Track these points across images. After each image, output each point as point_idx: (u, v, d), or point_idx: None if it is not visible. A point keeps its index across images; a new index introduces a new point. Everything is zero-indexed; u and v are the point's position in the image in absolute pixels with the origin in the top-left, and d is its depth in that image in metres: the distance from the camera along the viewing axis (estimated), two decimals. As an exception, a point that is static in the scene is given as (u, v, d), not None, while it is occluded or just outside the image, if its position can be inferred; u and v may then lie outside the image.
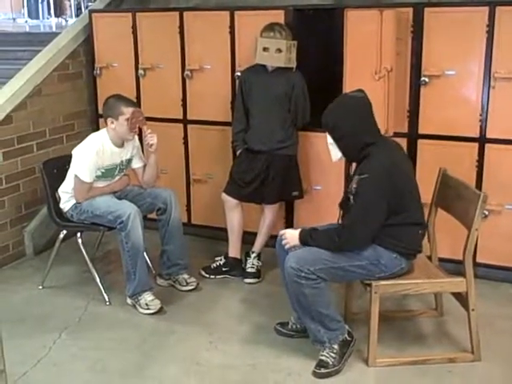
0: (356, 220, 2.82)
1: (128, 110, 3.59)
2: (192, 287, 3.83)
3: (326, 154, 4.02)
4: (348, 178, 3.07)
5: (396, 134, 3.77)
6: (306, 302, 2.89)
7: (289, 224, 4.28)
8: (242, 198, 3.96)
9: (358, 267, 2.88)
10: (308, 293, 2.85)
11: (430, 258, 3.27)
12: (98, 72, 4.74)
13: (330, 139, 2.93)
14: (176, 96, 4.49)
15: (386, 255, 2.89)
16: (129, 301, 3.65)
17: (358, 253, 2.88)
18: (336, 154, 2.95)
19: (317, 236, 2.91)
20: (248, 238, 4.11)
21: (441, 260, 3.35)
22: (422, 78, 3.76)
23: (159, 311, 3.57)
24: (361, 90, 2.97)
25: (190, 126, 4.52)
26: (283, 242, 3.01)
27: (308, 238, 2.93)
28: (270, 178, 3.88)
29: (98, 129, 4.52)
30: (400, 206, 2.85)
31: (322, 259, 2.85)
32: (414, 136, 3.89)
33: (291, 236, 2.98)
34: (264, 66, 3.83)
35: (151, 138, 3.70)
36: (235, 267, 4.03)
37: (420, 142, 3.88)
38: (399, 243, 2.90)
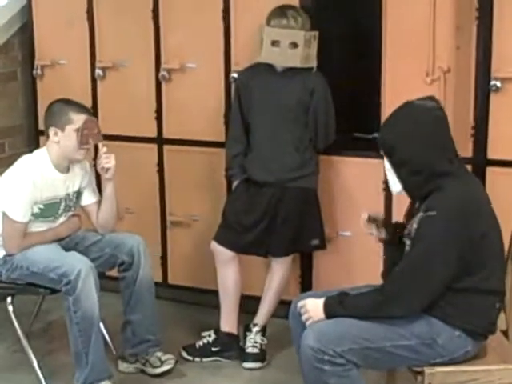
0: (411, 270, 2.79)
1: (79, 118, 3.63)
2: (169, 367, 3.82)
3: (357, 186, 4.09)
4: (407, 219, 3.06)
5: (456, 160, 3.77)
6: None
7: (306, 285, 4.26)
8: (240, 249, 3.96)
9: (405, 349, 2.86)
10: (335, 383, 2.82)
11: (506, 333, 3.23)
12: (39, 72, 4.78)
13: (387, 164, 2.95)
14: (148, 106, 4.53)
15: (446, 333, 2.86)
16: (78, 394, 3.63)
17: (406, 327, 2.85)
18: (396, 183, 2.96)
19: (349, 302, 2.89)
20: (248, 304, 4.10)
21: (522, 337, 3.30)
22: (493, 82, 3.78)
23: (122, 409, 3.55)
24: (432, 98, 2.98)
25: (167, 148, 4.56)
26: (303, 318, 2.98)
27: (337, 306, 2.90)
28: (278, 220, 3.89)
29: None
30: (476, 264, 2.83)
31: (352, 336, 2.83)
32: (481, 162, 3.89)
33: (314, 308, 2.95)
34: (271, 66, 3.86)
35: (107, 160, 3.73)
36: (230, 346, 4.02)
37: (490, 170, 3.88)
38: (466, 317, 2.87)
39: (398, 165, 2.88)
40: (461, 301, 2.85)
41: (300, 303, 3.01)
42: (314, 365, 2.82)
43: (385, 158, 2.95)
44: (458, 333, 2.87)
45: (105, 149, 3.73)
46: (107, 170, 3.73)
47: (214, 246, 3.98)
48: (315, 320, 2.94)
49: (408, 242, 2.88)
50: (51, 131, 3.66)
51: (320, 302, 2.94)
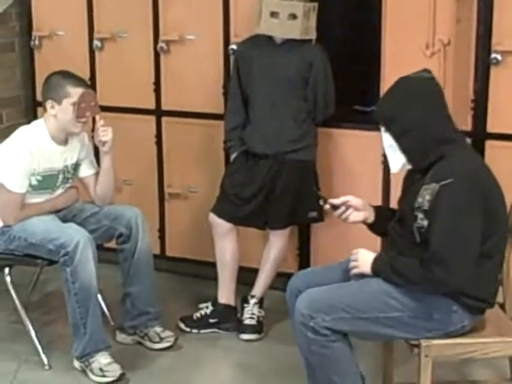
0: (449, 246, 2.74)
1: (76, 92, 3.61)
2: (168, 344, 3.84)
3: (356, 159, 4.09)
4: (405, 192, 3.04)
5: (455, 133, 3.77)
6: (313, 361, 2.91)
7: (304, 258, 4.28)
8: (238, 221, 3.96)
9: (397, 320, 2.86)
10: (316, 351, 2.86)
11: (502, 307, 3.24)
12: (37, 43, 4.75)
13: (387, 140, 2.92)
14: (146, 77, 4.51)
15: (443, 307, 2.86)
16: (77, 364, 3.64)
17: (401, 300, 2.86)
18: (398, 159, 2.93)
19: (399, 268, 2.86)
20: (246, 276, 4.12)
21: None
22: (493, 55, 3.77)
23: (119, 379, 3.56)
24: (427, 70, 2.98)
25: (165, 120, 4.55)
26: (351, 265, 2.99)
27: (385, 266, 2.89)
28: (277, 192, 3.89)
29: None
30: (487, 232, 2.81)
31: (344, 305, 2.84)
32: (480, 135, 3.89)
33: (364, 259, 2.96)
34: (270, 37, 3.85)
35: (104, 133, 3.72)
36: (227, 318, 4.03)
37: (489, 143, 3.88)
38: (465, 291, 2.86)
39: (400, 134, 2.87)
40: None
41: (354, 250, 3.01)
42: (300, 329, 2.86)
43: (384, 134, 2.93)
44: (456, 307, 2.87)
45: (102, 122, 3.72)
46: (104, 143, 3.72)
47: (212, 218, 3.99)
48: (360, 271, 2.96)
49: (421, 216, 2.81)
50: (48, 104, 3.65)
51: (371, 256, 2.95)
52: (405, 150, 2.89)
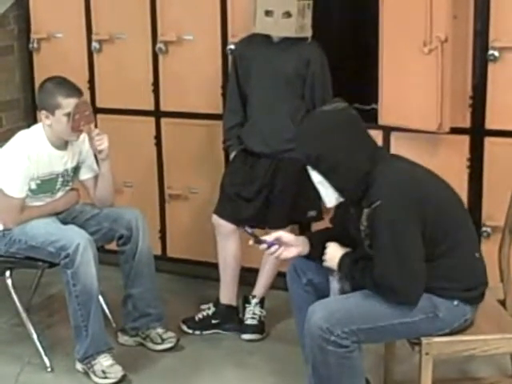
0: (390, 271, 2.78)
1: (68, 103, 3.59)
2: (170, 345, 3.85)
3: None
4: (348, 220, 3.05)
5: (454, 130, 3.77)
6: (326, 372, 2.88)
7: (305, 256, 4.26)
8: (241, 223, 3.93)
9: (410, 325, 2.88)
10: (334, 363, 2.85)
11: (503, 303, 3.24)
12: (36, 46, 4.76)
13: (316, 177, 2.93)
14: (144, 79, 4.52)
15: (445, 305, 2.89)
16: (79, 366, 3.65)
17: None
18: (331, 194, 2.95)
19: (359, 278, 2.91)
20: (247, 276, 4.12)
21: (519, 306, 3.32)
22: (490, 52, 3.77)
23: (121, 381, 3.57)
24: (339, 100, 2.99)
25: (164, 121, 4.56)
26: (323, 258, 3.03)
27: (347, 271, 2.94)
28: (276, 192, 3.90)
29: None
30: (441, 231, 2.85)
31: (361, 316, 2.85)
32: (479, 132, 3.89)
33: (332, 257, 3.01)
34: (267, 37, 3.84)
35: (100, 142, 3.71)
36: (229, 318, 4.04)
37: (488, 140, 3.87)
38: (456, 284, 2.89)
39: (328, 173, 2.88)
40: (445, 269, 2.87)
41: (327, 244, 3.04)
42: (318, 343, 2.84)
43: (312, 173, 2.94)
44: (456, 302, 2.89)
45: (97, 131, 3.73)
46: (100, 151, 3.72)
47: (215, 219, 3.99)
48: (328, 265, 3.01)
49: (367, 242, 2.87)
50: (43, 115, 3.65)
51: (339, 253, 2.98)
52: (335, 185, 2.90)
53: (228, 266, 4.02)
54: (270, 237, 3.10)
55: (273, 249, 3.08)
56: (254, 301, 4.02)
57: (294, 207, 3.92)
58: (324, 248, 3.03)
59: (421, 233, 2.79)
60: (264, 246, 3.08)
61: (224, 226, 3.97)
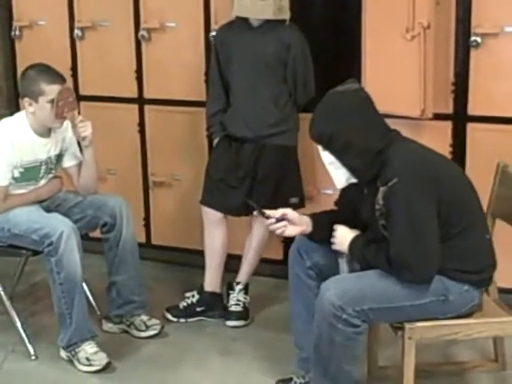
0: (406, 249, 2.80)
1: (52, 89, 3.57)
2: (154, 332, 3.85)
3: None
4: (361, 201, 3.05)
5: (437, 116, 3.79)
6: (329, 351, 2.90)
7: (288, 243, 4.24)
8: (230, 210, 3.97)
9: (421, 307, 2.90)
10: (339, 342, 2.87)
11: (486, 288, 3.25)
12: (18, 33, 4.74)
13: (328, 157, 2.95)
14: (128, 66, 4.52)
15: (456, 289, 2.91)
16: (63, 354, 3.65)
17: (422, 285, 2.89)
18: (341, 175, 2.97)
19: (370, 257, 2.92)
20: (231, 263, 4.12)
21: (502, 291, 3.33)
22: (473, 38, 3.78)
23: (105, 368, 3.57)
24: (353, 81, 3.02)
25: (148, 108, 4.56)
26: (332, 240, 3.04)
27: (359, 252, 2.95)
28: (258, 177, 3.90)
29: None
30: (455, 212, 2.87)
31: (374, 295, 2.86)
32: (461, 118, 3.91)
33: (342, 240, 3.02)
34: (247, 21, 3.84)
35: (83, 129, 3.69)
36: (214, 305, 4.05)
37: (470, 126, 3.90)
38: (469, 266, 2.91)
39: (341, 151, 2.90)
40: (457, 251, 2.89)
41: (335, 226, 3.05)
42: (328, 319, 2.85)
43: (322, 152, 2.96)
44: (466, 287, 2.92)
45: (80, 117, 3.71)
46: (84, 137, 3.70)
47: (203, 207, 3.99)
48: (338, 248, 3.02)
49: (382, 222, 2.88)
50: (26, 102, 3.62)
51: (349, 236, 3.00)
52: (348, 165, 2.92)
53: (215, 253, 4.02)
54: (277, 213, 3.10)
55: (280, 224, 3.08)
56: (238, 287, 4.03)
57: (276, 194, 3.91)
58: (331, 230, 3.04)
59: (436, 212, 2.80)
60: (272, 220, 3.09)
61: (212, 214, 3.97)
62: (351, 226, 3.03)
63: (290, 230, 3.11)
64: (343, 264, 3.03)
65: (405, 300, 2.87)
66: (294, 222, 3.10)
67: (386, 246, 2.84)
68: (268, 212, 3.11)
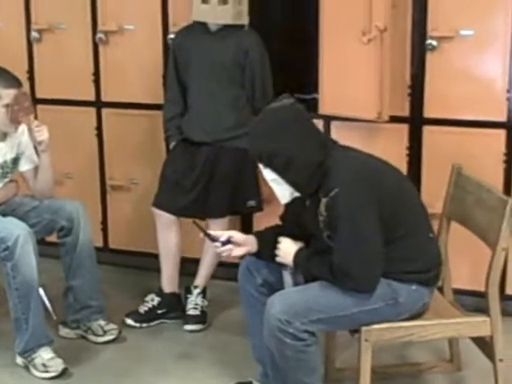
0: (349, 258, 2.81)
1: (7, 94, 3.55)
2: (111, 337, 3.84)
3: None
4: (304, 213, 3.07)
5: (393, 119, 3.83)
6: (284, 365, 2.91)
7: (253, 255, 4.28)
8: (181, 212, 3.97)
9: (371, 312, 2.91)
10: (291, 356, 2.87)
11: (441, 289, 3.30)
12: (-29, 36, 4.71)
13: (270, 175, 2.94)
14: (85, 69, 4.51)
15: (404, 290, 2.93)
16: (19, 360, 3.62)
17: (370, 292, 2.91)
18: (285, 191, 2.96)
19: (315, 270, 2.93)
20: (188, 267, 4.13)
21: (456, 292, 3.38)
22: (429, 41, 3.82)
23: (62, 374, 3.55)
24: (287, 96, 3.01)
25: (105, 111, 4.55)
26: (276, 252, 3.04)
27: (303, 265, 2.96)
28: (215, 181, 3.89)
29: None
30: (398, 216, 2.90)
31: (320, 306, 2.86)
32: (417, 121, 3.95)
33: (286, 252, 3.01)
34: (205, 25, 3.85)
35: (39, 134, 3.66)
36: (174, 306, 4.06)
37: (426, 129, 3.94)
38: (415, 266, 2.93)
39: (283, 168, 2.89)
40: (402, 251, 2.91)
41: (279, 239, 3.04)
42: (276, 334, 2.85)
43: (265, 171, 2.95)
44: (415, 287, 2.93)
45: (36, 122, 3.67)
46: (40, 142, 3.68)
47: (155, 210, 3.99)
48: (282, 261, 3.02)
49: (327, 233, 2.89)
50: None
51: (293, 249, 2.99)
52: (290, 181, 2.91)
53: (169, 254, 4.03)
54: (223, 235, 3.09)
55: (227, 247, 3.08)
56: (195, 291, 4.03)
57: (233, 197, 3.93)
58: (275, 244, 3.04)
59: (379, 218, 2.82)
60: (217, 244, 3.08)
61: (164, 216, 3.97)
62: (297, 239, 3.03)
63: (236, 252, 3.11)
64: (287, 276, 3.04)
65: (353, 307, 2.88)
66: (240, 243, 3.10)
67: (330, 256, 2.85)
68: (213, 234, 3.11)
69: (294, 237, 3.04)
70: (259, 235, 3.16)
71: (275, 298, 2.89)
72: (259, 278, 3.13)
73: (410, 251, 2.93)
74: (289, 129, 2.88)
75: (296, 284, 3.00)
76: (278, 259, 3.03)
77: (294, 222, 3.10)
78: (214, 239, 3.08)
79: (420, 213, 3.02)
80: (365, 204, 2.81)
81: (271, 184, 2.96)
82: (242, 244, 3.10)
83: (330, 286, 2.87)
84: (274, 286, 3.07)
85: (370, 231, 2.82)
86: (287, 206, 3.08)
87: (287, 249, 3.02)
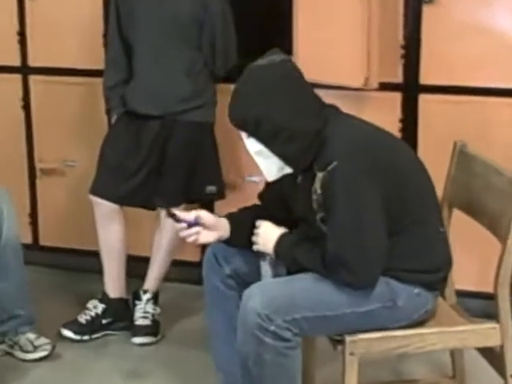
0: (346, 244, 2.79)
1: None
2: (44, 353, 3.82)
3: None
4: (293, 192, 3.04)
5: (383, 87, 3.82)
6: (259, 373, 2.88)
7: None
8: (125, 200, 3.96)
9: (365, 315, 2.90)
10: (269, 361, 2.84)
11: (441, 292, 3.27)
12: None
13: (254, 146, 2.92)
14: (8, 27, 4.50)
15: (405, 293, 2.92)
16: None
17: (366, 289, 2.90)
18: (272, 165, 2.94)
19: (303, 259, 2.91)
20: (136, 267, 4.11)
21: (460, 294, 3.37)
22: (425, -7, 3.85)
23: (-17, 399, 3.55)
24: (276, 52, 3.01)
25: (33, 79, 4.55)
26: (253, 239, 3.03)
27: (288, 252, 2.94)
28: (167, 162, 3.90)
29: None
30: (406, 202, 2.89)
31: (307, 302, 2.85)
32: (412, 88, 3.96)
33: (266, 238, 3.00)
34: (156, -27, 3.86)
35: None
36: (122, 315, 4.06)
37: (423, 97, 3.95)
38: (420, 265, 2.93)
39: (271, 137, 2.87)
40: (406, 248, 2.90)
41: (258, 223, 3.03)
42: (253, 332, 2.81)
43: (248, 141, 2.93)
44: (417, 290, 2.93)
45: None
46: None
47: (93, 198, 3.98)
48: (261, 249, 3.01)
49: (320, 215, 2.87)
50: None
51: (275, 234, 2.97)
52: (280, 153, 2.89)
53: (113, 252, 4.03)
54: (190, 215, 3.04)
55: (193, 230, 3.03)
56: (145, 297, 4.03)
57: (189, 181, 3.94)
58: (252, 229, 3.02)
59: (384, 201, 2.81)
60: (183, 225, 3.03)
61: (104, 206, 3.96)
62: (280, 223, 3.02)
63: (205, 237, 3.07)
64: (265, 267, 3.01)
65: (345, 307, 2.86)
66: (210, 227, 3.07)
67: (323, 243, 2.83)
68: (179, 214, 3.05)
69: (276, 221, 3.02)
70: (232, 218, 3.13)
71: (254, 289, 2.87)
72: (227, 268, 3.12)
73: (416, 246, 2.92)
74: (279, 90, 2.85)
75: (276, 277, 2.99)
76: (256, 247, 3.02)
77: (277, 203, 3.10)
78: (178, 219, 3.03)
79: (431, 202, 3.01)
80: (369, 182, 2.79)
81: (255, 157, 2.94)
82: (212, 227, 3.07)
83: (320, 278, 2.85)
84: (245, 279, 3.06)
85: (373, 215, 2.80)
86: (269, 182, 3.07)
87: (267, 234, 2.99)
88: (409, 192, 2.90)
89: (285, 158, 2.90)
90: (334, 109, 2.99)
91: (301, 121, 2.85)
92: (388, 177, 2.83)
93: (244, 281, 3.06)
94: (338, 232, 2.80)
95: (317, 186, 2.84)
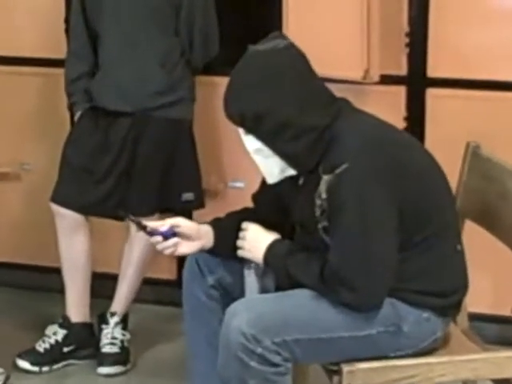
0: (350, 258, 2.80)
1: None
2: (-6, 386, 3.83)
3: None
4: (293, 195, 3.04)
5: (385, 80, 3.86)
6: None
7: (183, 258, 4.26)
8: (91, 209, 3.97)
9: (365, 341, 2.91)
10: None
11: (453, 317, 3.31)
12: None
13: (253, 143, 2.92)
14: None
15: (412, 317, 2.93)
16: None
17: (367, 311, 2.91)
18: (273, 166, 2.94)
19: (297, 273, 2.91)
20: (102, 286, 4.15)
21: (472, 318, 3.37)
22: (433, -29, 3.86)
23: None
24: (279, 35, 3.00)
25: (-17, 69, 4.55)
26: (238, 243, 3.02)
27: (279, 261, 2.94)
28: (138, 165, 3.91)
29: None
30: (422, 213, 2.89)
31: (300, 323, 2.85)
32: (418, 82, 3.98)
33: (254, 243, 3.00)
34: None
35: None
36: (86, 341, 4.07)
37: (430, 92, 3.97)
38: (432, 286, 2.93)
39: (273, 134, 2.87)
40: (417, 263, 2.90)
41: (244, 225, 3.03)
42: (237, 354, 2.80)
43: (246, 138, 2.93)
44: (427, 314, 2.93)
45: None
46: None
47: (54, 207, 3.98)
48: (247, 256, 3.00)
49: (323, 224, 2.87)
50: None
51: (265, 241, 2.98)
52: (283, 152, 2.90)
53: (77, 269, 4.04)
54: (165, 224, 3.03)
55: (170, 242, 3.01)
56: (113, 320, 4.03)
57: (163, 187, 3.94)
58: (237, 232, 3.02)
59: (397, 212, 2.81)
60: (157, 238, 3.02)
61: (67, 216, 3.97)
62: (273, 230, 3.02)
63: (185, 248, 3.07)
64: (250, 277, 3.00)
65: (342, 329, 2.87)
66: (190, 236, 3.06)
67: (323, 255, 2.84)
68: (150, 225, 3.03)
69: (268, 226, 3.02)
70: (217, 224, 3.12)
71: (239, 305, 2.87)
72: (210, 278, 3.12)
73: (428, 265, 2.92)
74: (283, 79, 2.85)
75: (263, 290, 2.99)
76: (241, 252, 3.01)
77: (272, 204, 3.10)
78: (150, 232, 3.00)
79: (449, 214, 3.01)
80: (382, 189, 2.79)
81: (254, 156, 2.93)
82: (193, 236, 3.06)
83: (317, 296, 2.86)
84: (230, 291, 3.08)
85: (384, 228, 2.81)
86: (265, 184, 3.06)
87: (256, 239, 3.00)
88: (426, 203, 2.90)
89: (287, 158, 2.90)
90: (345, 102, 2.98)
91: (307, 115, 2.84)
92: (405, 183, 2.83)
93: (229, 293, 3.08)
94: (343, 244, 2.80)
95: (322, 190, 2.83)
